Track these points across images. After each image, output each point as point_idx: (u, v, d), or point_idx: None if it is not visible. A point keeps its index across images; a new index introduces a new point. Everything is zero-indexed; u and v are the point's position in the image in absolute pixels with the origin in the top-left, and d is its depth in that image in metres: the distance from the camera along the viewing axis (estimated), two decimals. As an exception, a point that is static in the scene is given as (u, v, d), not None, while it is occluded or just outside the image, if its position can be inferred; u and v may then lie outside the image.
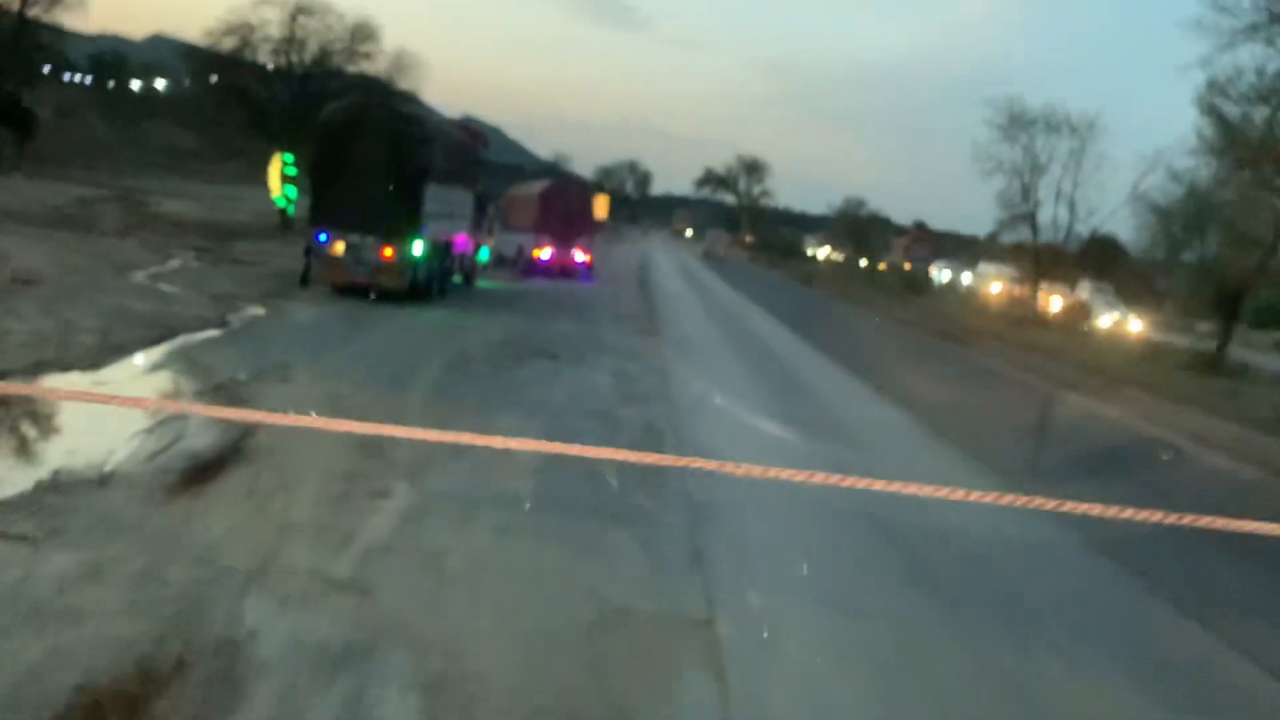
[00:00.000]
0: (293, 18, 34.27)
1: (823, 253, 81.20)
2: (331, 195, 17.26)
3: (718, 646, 4.82)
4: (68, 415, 7.76)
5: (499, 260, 28.08)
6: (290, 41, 34.55)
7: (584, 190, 35.42)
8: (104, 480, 6.15)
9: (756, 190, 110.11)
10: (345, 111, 17.81)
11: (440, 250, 19.16)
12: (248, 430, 7.69)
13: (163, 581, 4.70)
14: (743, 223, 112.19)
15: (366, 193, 17.04)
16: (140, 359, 10.22)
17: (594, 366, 13.05)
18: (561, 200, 30.58)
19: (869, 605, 5.76)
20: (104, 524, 5.38)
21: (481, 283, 23.82)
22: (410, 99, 29.83)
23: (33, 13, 43.51)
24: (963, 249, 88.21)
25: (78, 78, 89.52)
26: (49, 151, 59.53)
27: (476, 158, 22.95)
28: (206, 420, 7.85)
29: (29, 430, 7.26)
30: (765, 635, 5.09)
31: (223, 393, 9.12)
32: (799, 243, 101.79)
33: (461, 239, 21.50)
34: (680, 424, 10.05)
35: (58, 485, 5.96)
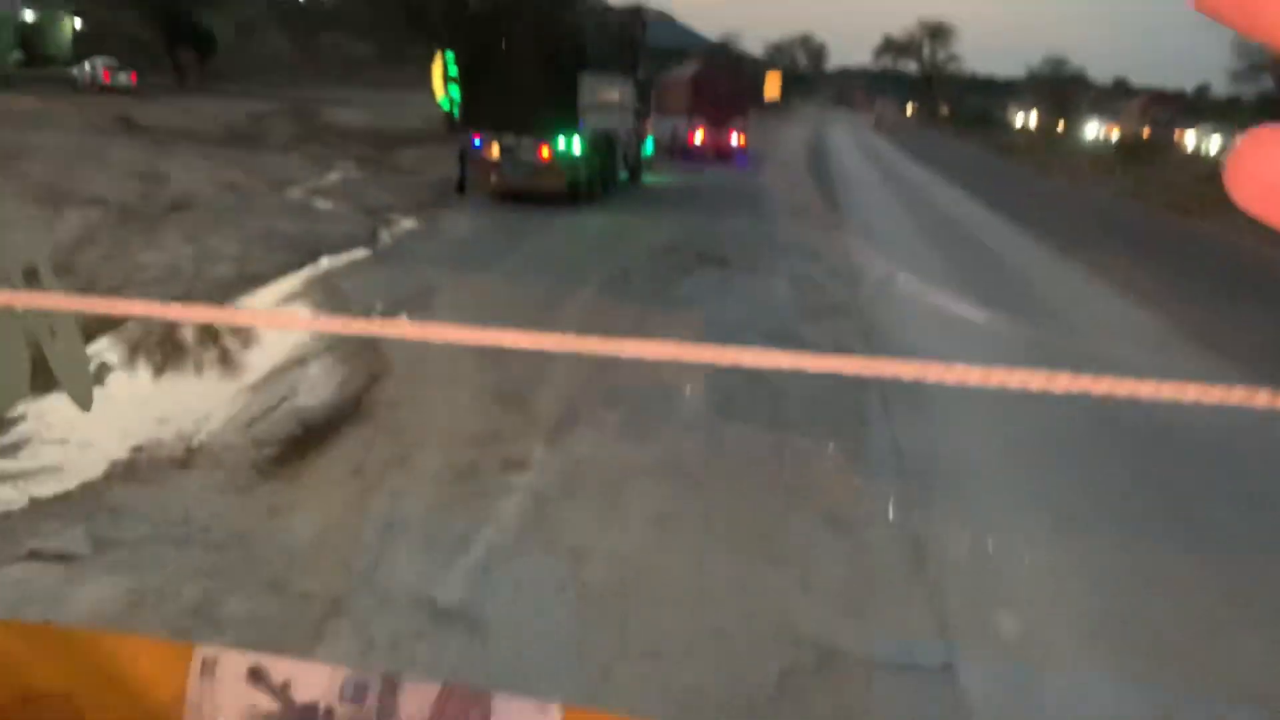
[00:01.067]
0: (445, -91, 32.81)
1: (1020, 120, 74.50)
2: (484, 94, 16.05)
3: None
4: (171, 375, 6.90)
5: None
6: (445, -67, 33.19)
7: (738, 71, 33.70)
8: (187, 459, 5.17)
9: (942, 56, 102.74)
10: (491, 4, 16.44)
11: (602, 146, 17.74)
12: (371, 381, 6.63)
13: (215, 623, 3.61)
14: (929, 91, 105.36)
15: (519, 89, 15.74)
16: (273, 290, 9.36)
17: (770, 272, 11.46)
18: (714, 82, 29.38)
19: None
20: (168, 528, 4.36)
21: (647, 178, 22.32)
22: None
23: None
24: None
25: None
26: (230, 68, 61.35)
27: (636, 42, 21.16)
28: (323, 373, 6.83)
29: (122, 394, 6.40)
30: None
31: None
32: (994, 110, 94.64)
33: (625, 132, 20.02)
34: (877, 344, 8.43)
35: (132, 470, 5.01)
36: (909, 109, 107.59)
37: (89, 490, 4.74)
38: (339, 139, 28.30)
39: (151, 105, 33.16)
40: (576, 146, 16.12)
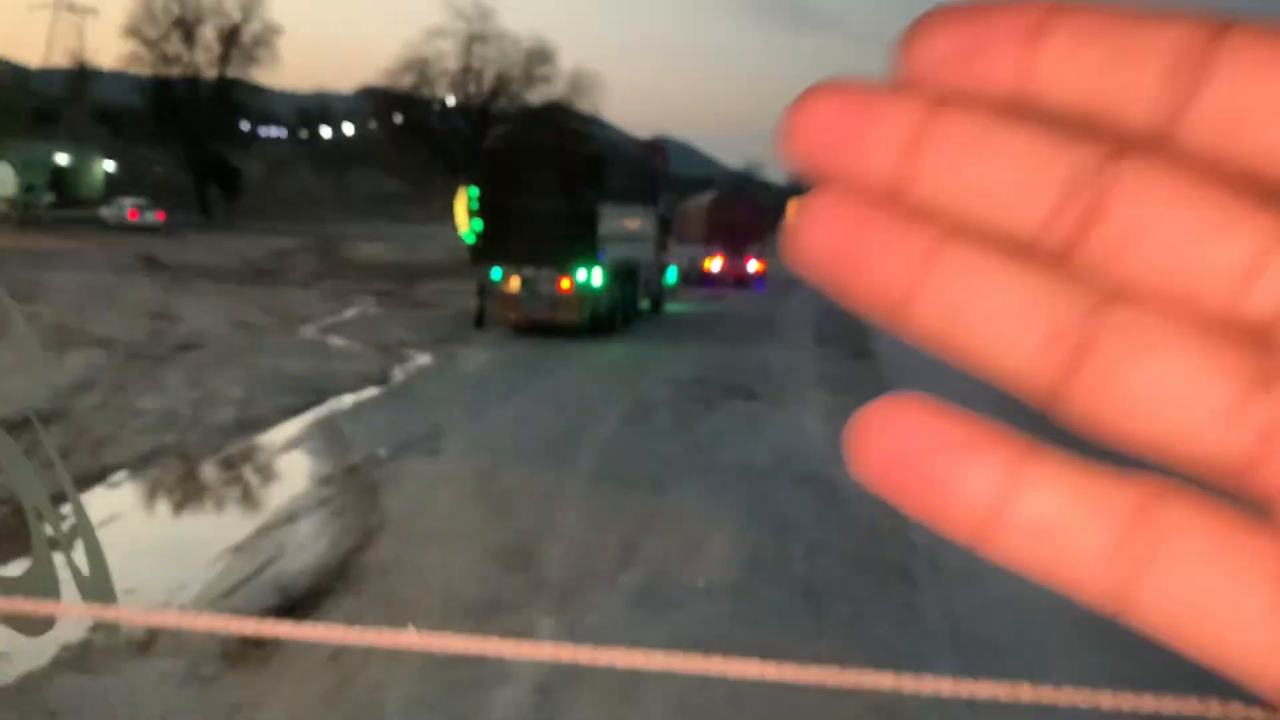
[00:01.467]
0: (468, 48, 33.73)
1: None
2: (502, 227, 15.90)
3: None
4: (149, 534, 6.35)
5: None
6: (467, 72, 34.05)
7: (755, 199, 34.52)
8: (149, 641, 4.55)
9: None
10: (508, 137, 16.46)
11: (622, 276, 17.49)
12: (364, 540, 6.05)
13: None
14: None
15: (538, 222, 15.57)
16: (272, 436, 8.86)
17: (801, 406, 10.88)
18: (730, 211, 30.10)
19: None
20: (107, 737, 3.74)
21: (670, 306, 22.03)
22: (588, 119, 28.54)
23: (231, 72, 45.37)
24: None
25: (292, 133, 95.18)
26: (260, 205, 62.83)
27: (656, 172, 21.19)
28: (314, 531, 6.26)
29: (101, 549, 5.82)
30: None
31: (355, 477, 7.58)
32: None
33: (647, 261, 19.81)
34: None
35: (84, 656, 4.40)
36: None
37: (29, 684, 4.13)
38: (360, 273, 28.40)
39: (176, 243, 33.62)
40: (597, 277, 15.84)
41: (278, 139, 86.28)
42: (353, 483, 7.43)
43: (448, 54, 33.69)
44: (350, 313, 18.99)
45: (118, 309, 16.31)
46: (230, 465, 7.91)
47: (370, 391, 11.24)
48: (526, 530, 6.24)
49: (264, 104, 59.80)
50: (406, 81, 33.98)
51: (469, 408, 10.32)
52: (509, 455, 8.35)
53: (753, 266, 29.45)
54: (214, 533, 6.26)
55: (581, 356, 14.17)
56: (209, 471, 7.68)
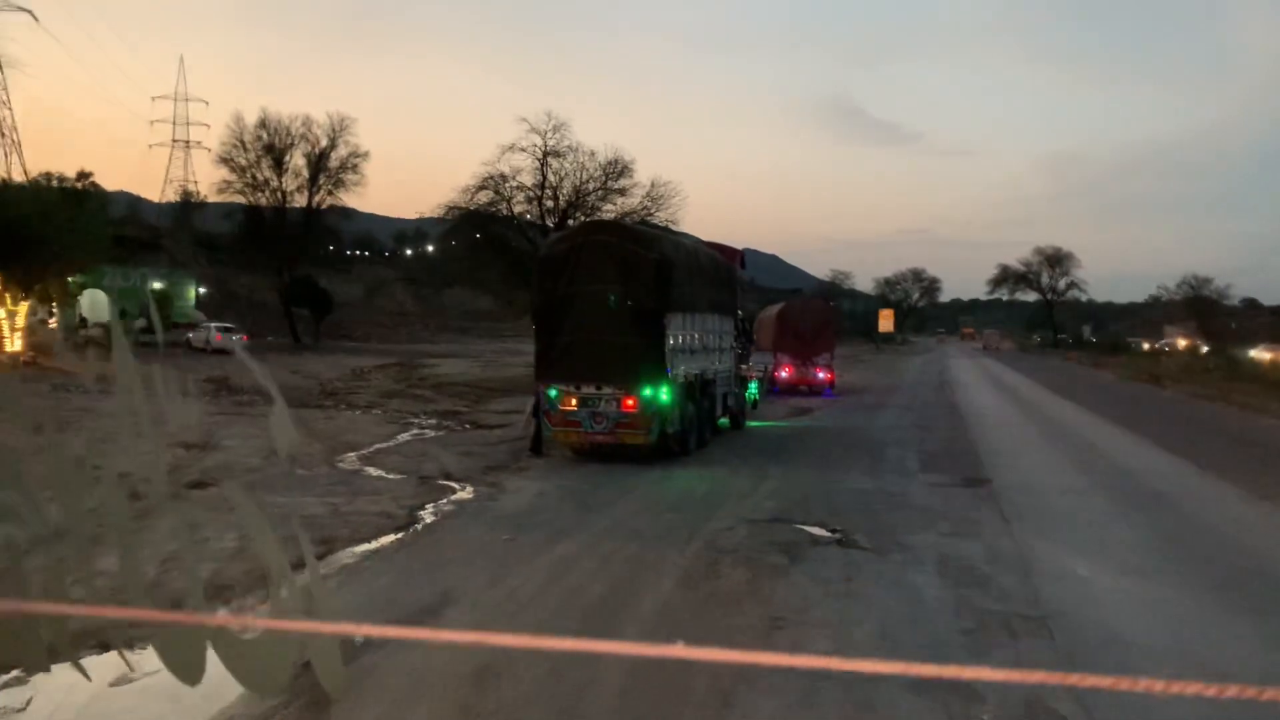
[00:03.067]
0: (543, 162, 32.93)
1: (1165, 344, 69.48)
2: (559, 342, 14.23)
3: None
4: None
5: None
6: (543, 187, 33.19)
7: (824, 308, 34.84)
8: None
9: (1063, 283, 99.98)
10: (566, 241, 14.85)
11: (696, 392, 15.64)
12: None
13: None
14: (1050, 318, 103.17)
15: (598, 334, 13.90)
16: (239, 610, 7.10)
17: (908, 557, 8.69)
18: (799, 320, 30.60)
19: None
20: None
21: (752, 423, 20.02)
22: (661, 228, 27.16)
23: (319, 198, 45.85)
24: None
25: (384, 255, 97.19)
26: (354, 325, 63.09)
27: (734, 278, 19.38)
28: None
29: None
30: None
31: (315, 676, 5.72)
32: (1121, 335, 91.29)
33: (724, 375, 17.92)
34: (1101, 704, 5.45)
35: None
36: (999, 334, 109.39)
37: None
38: (431, 392, 27.23)
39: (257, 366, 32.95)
40: (664, 395, 14.00)
41: (374, 261, 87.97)
42: (308, 686, 5.58)
43: (523, 169, 32.93)
44: (404, 436, 17.50)
45: (154, 437, 15.02)
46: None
47: (387, 539, 9.51)
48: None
49: (358, 228, 60.81)
50: (483, 198, 33.27)
51: (495, 562, 8.45)
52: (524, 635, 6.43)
53: (822, 374, 29.93)
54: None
55: (644, 486, 12.25)
56: (128, 668, 5.91)
